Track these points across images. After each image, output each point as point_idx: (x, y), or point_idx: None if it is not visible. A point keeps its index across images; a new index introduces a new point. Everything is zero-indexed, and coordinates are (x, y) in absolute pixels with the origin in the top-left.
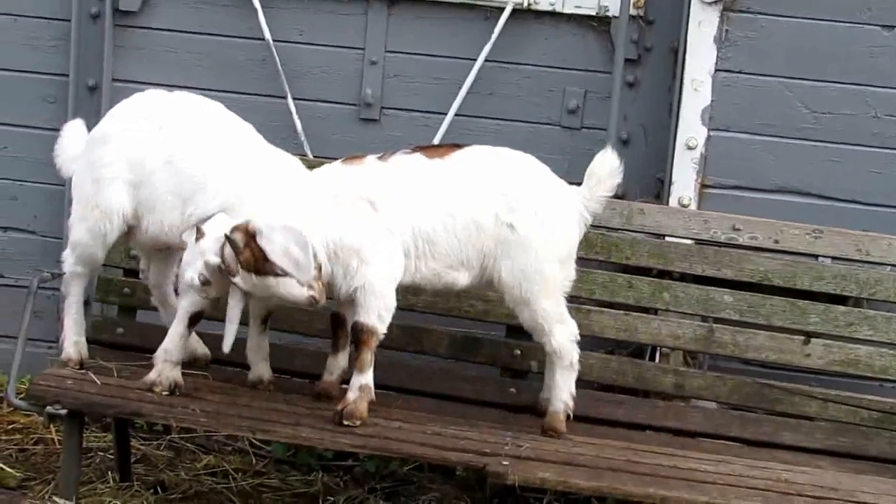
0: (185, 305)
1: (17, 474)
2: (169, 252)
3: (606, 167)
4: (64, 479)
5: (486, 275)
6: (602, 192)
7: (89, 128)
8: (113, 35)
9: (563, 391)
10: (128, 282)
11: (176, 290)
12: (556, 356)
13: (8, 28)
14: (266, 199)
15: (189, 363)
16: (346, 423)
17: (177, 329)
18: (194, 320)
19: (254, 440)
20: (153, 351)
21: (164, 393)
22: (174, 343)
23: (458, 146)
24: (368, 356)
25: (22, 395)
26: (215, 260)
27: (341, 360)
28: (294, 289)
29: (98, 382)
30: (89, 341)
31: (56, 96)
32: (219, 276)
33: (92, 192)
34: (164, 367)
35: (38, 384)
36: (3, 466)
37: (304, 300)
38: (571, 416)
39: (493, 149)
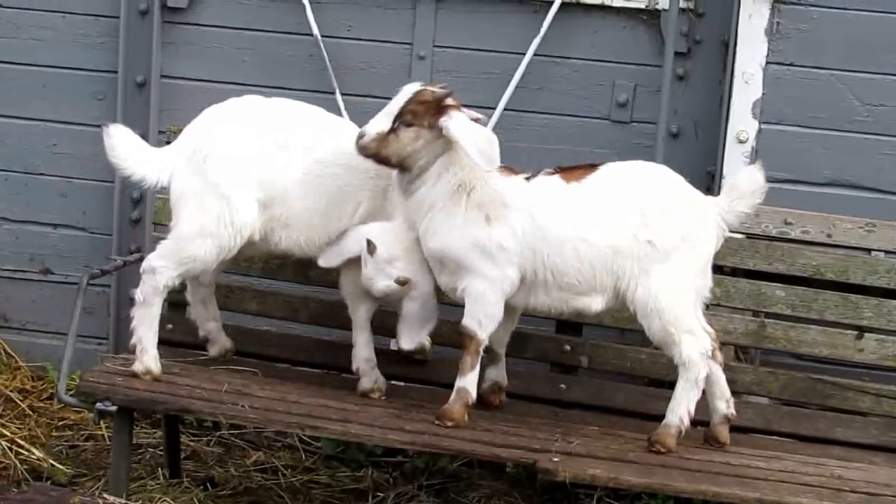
0: (362, 314)
1: (68, 470)
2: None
3: (751, 184)
4: (114, 476)
5: (622, 295)
6: (742, 208)
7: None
8: (161, 31)
9: (681, 405)
10: None
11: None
12: (683, 368)
13: (57, 25)
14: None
15: (215, 356)
16: (436, 422)
17: (364, 337)
18: (371, 323)
19: (303, 436)
20: (203, 347)
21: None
22: (370, 350)
23: (594, 166)
24: (468, 360)
25: (72, 392)
26: (395, 274)
27: (492, 373)
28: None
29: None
30: None
31: (105, 93)
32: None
33: (222, 210)
34: (374, 373)
35: (88, 381)
36: (54, 462)
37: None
38: (684, 433)
39: (627, 166)
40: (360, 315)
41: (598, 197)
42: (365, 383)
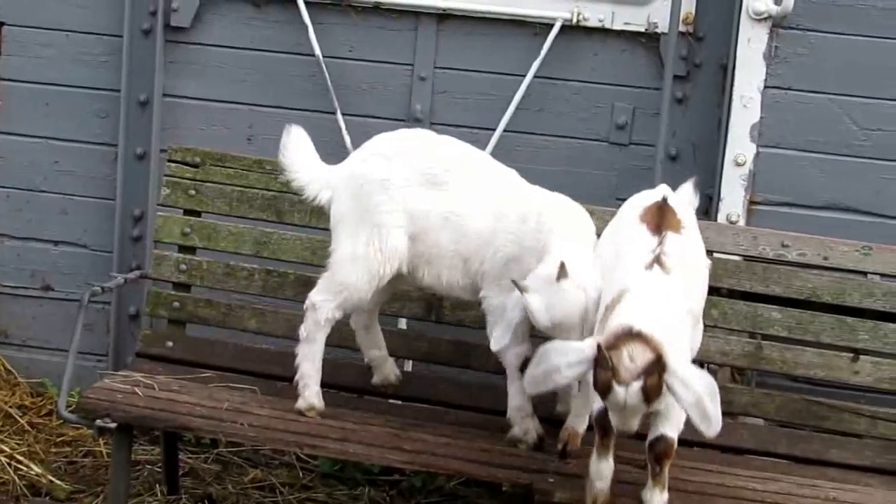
0: (511, 360)
1: (67, 487)
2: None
3: (692, 198)
4: (113, 492)
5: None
6: None
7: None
8: (164, 51)
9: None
10: (177, 296)
11: None
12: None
13: (60, 43)
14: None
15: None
16: None
17: (516, 385)
18: (523, 368)
19: (301, 454)
20: (202, 364)
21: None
22: (523, 398)
23: (664, 204)
24: (667, 475)
25: (71, 408)
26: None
27: (612, 463)
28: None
29: (144, 395)
30: (138, 355)
31: (107, 111)
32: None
33: (374, 235)
34: (526, 422)
35: (88, 398)
36: (53, 479)
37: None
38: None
39: (653, 192)
40: (510, 362)
41: (690, 236)
42: (514, 431)
